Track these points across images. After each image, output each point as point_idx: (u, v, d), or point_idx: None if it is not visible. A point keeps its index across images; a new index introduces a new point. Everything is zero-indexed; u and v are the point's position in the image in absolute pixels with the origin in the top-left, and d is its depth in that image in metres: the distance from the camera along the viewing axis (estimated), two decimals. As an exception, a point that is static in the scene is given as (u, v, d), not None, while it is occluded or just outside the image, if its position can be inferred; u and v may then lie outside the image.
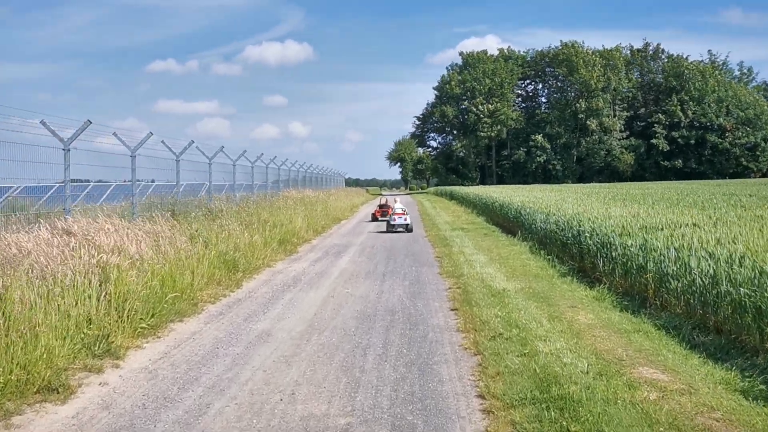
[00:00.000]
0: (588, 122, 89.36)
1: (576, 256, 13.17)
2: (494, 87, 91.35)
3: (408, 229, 22.16)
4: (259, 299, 10.56)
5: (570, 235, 13.78)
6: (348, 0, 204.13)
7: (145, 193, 25.72)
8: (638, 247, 10.00)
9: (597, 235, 12.14)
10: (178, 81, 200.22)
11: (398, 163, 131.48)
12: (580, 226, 13.23)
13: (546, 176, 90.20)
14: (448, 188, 62.84)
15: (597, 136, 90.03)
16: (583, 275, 11.98)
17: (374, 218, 27.81)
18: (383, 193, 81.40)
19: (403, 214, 22.62)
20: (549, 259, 13.88)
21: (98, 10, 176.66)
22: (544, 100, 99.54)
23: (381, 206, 29.06)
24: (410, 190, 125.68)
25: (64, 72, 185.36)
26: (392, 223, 22.59)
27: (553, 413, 5.15)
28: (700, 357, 6.85)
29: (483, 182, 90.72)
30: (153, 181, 27.10)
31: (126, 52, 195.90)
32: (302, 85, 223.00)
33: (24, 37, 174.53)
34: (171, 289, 9.36)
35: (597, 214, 14.62)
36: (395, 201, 25.89)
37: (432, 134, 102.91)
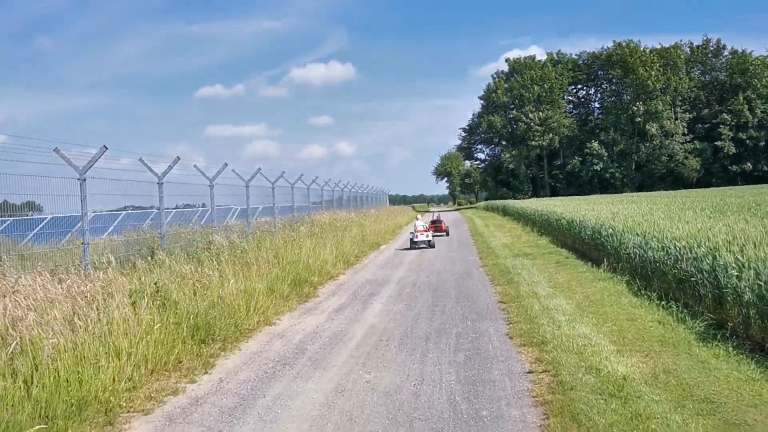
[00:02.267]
0: (647, 126, 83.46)
1: (708, 299, 8.89)
2: (544, 94, 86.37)
3: (430, 245, 22.97)
4: (226, 400, 6.62)
5: (694, 269, 9.47)
6: (389, 18, 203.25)
7: (166, 220, 23.24)
8: None
9: (747, 268, 7.89)
10: (226, 105, 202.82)
11: (445, 178, 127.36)
12: (715, 258, 8.90)
13: (603, 186, 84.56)
14: (500, 202, 58.19)
15: (658, 141, 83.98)
16: (736, 337, 7.67)
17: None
18: (431, 209, 77.20)
19: (425, 231, 23.48)
20: (664, 305, 9.58)
21: (148, 40, 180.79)
22: (597, 105, 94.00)
23: (433, 222, 29.32)
24: (458, 205, 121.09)
25: (119, 101, 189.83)
26: (414, 240, 23.16)
27: None
28: None
29: (535, 194, 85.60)
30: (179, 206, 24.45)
31: (175, 79, 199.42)
32: (347, 105, 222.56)
33: (79, 69, 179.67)
34: (62, 400, 5.54)
35: (716, 234, 10.30)
36: (417, 218, 26.62)
37: (479, 146, 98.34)
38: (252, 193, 18.50)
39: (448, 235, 29.27)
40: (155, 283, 8.75)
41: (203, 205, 25.70)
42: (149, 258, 11.30)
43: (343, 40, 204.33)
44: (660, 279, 10.99)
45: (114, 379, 6.42)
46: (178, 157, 13.03)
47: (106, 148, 9.97)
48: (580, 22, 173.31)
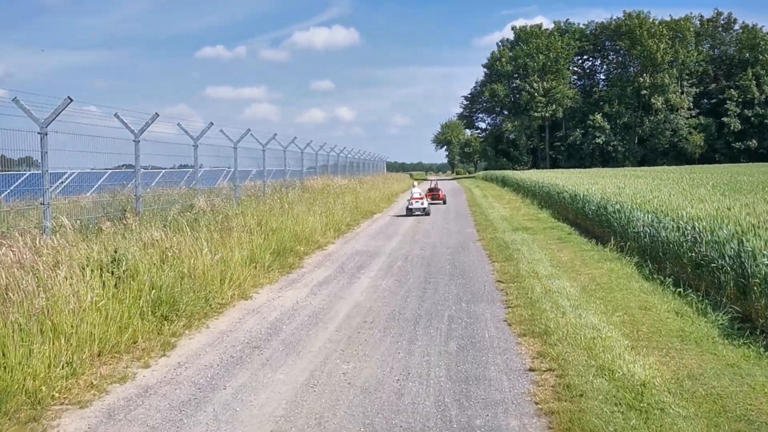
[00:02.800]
0: (652, 100, 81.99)
1: (730, 288, 7.98)
2: (549, 63, 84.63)
3: (426, 212, 23.05)
4: (180, 392, 5.71)
5: (715, 253, 8.54)
6: None
7: (154, 180, 21.98)
8: None
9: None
10: (227, 67, 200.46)
11: (444, 147, 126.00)
12: (741, 243, 7.95)
13: (604, 159, 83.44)
14: (499, 173, 57.12)
15: (662, 115, 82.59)
16: (766, 335, 6.77)
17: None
18: (429, 177, 76.09)
19: (421, 198, 23.47)
20: (680, 292, 8.66)
21: None
22: (602, 77, 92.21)
23: (431, 190, 28.75)
24: (457, 174, 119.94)
25: (118, 59, 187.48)
26: (410, 207, 23.25)
27: None
28: None
29: (535, 165, 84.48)
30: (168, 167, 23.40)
31: (177, 39, 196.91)
32: (349, 70, 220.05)
33: (81, 25, 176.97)
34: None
35: (738, 216, 9.36)
36: (414, 185, 26.01)
37: (481, 115, 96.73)
38: (241, 155, 17.54)
39: (445, 203, 28.87)
40: (115, 251, 7.79)
41: (201, 166, 24.52)
42: (119, 222, 10.36)
43: (347, 5, 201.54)
44: (674, 262, 10.08)
45: (50, 365, 5.51)
46: (156, 113, 12.05)
47: (71, 100, 8.96)
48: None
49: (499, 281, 10.40)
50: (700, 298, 8.10)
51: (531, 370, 6.04)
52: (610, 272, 10.45)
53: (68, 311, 6.04)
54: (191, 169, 26.58)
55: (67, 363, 5.66)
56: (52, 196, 14.71)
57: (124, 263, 7.62)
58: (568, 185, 23.83)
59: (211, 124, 15.24)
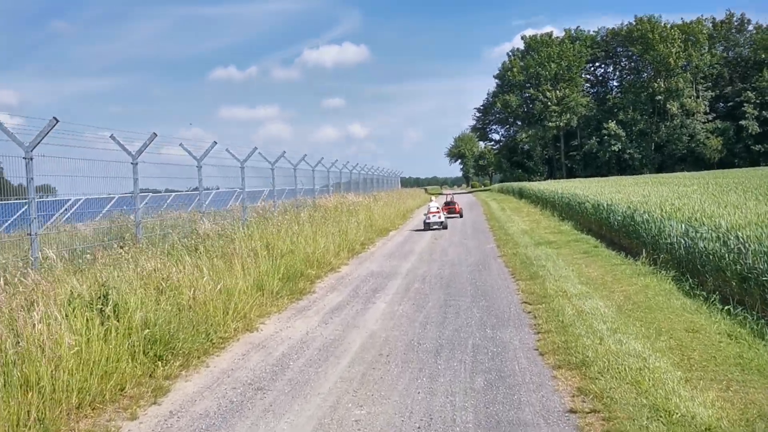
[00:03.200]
0: (668, 105, 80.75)
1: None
2: (561, 72, 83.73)
3: (443, 226, 22.95)
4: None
5: (764, 266, 7.70)
6: (403, 0, 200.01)
7: (164, 204, 21.82)
8: None
9: None
10: (239, 87, 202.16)
11: (458, 160, 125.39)
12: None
13: (621, 167, 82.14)
14: (516, 184, 56.24)
15: (678, 120, 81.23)
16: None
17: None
18: (444, 191, 75.33)
19: (438, 212, 23.52)
20: (729, 310, 7.82)
21: (161, 21, 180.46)
22: (615, 83, 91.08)
23: (447, 204, 28.77)
24: (472, 187, 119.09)
25: (132, 84, 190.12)
26: (427, 221, 23.24)
27: None
28: None
29: (551, 176, 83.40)
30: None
31: (189, 61, 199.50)
32: (361, 86, 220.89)
33: (94, 52, 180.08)
34: None
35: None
36: (431, 200, 26.64)
37: (494, 126, 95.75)
38: (250, 174, 17.08)
39: (461, 216, 28.39)
40: (102, 285, 7.10)
41: (217, 188, 23.82)
42: (119, 250, 9.71)
43: (356, 22, 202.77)
44: (715, 276, 9.23)
45: (17, 424, 4.80)
46: (154, 133, 11.31)
47: (57, 120, 8.25)
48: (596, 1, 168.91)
49: (525, 302, 9.59)
50: (756, 318, 7.26)
51: (572, 411, 5.24)
52: (646, 288, 9.61)
53: (42, 359, 5.34)
54: (211, 191, 26.26)
55: (38, 419, 4.94)
56: (53, 225, 14.10)
57: (111, 299, 6.92)
58: (589, 195, 22.99)
59: (215, 143, 14.59)
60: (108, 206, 20.74)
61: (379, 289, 11.53)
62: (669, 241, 11.45)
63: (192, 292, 8.43)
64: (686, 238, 10.68)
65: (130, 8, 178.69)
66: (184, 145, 13.88)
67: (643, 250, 12.21)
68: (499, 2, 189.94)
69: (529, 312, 8.92)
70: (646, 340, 6.89)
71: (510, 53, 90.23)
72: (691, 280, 9.65)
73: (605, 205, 17.89)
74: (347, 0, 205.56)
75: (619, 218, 15.78)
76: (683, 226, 11.12)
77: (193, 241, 11.05)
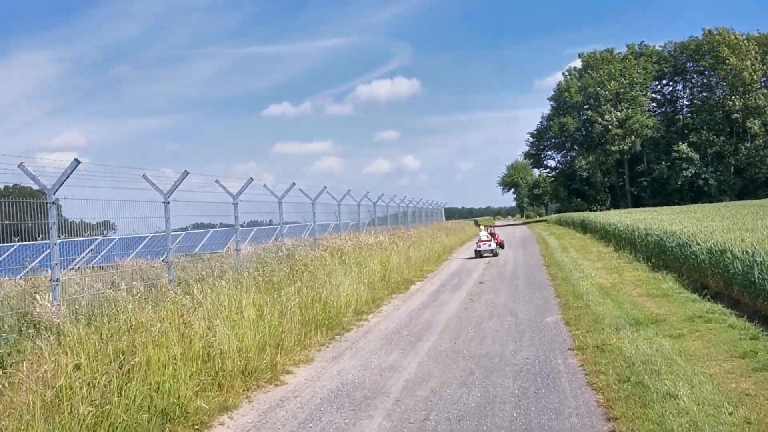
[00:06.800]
0: (747, 124, 72.17)
1: None
2: (622, 90, 76.21)
3: (494, 253, 24.78)
4: None
5: None
6: (453, 33, 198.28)
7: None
8: None
9: None
10: (293, 123, 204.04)
11: (512, 189, 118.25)
12: None
13: (695, 194, 73.57)
14: (576, 215, 48.96)
15: (761, 140, 72.42)
16: None
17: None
18: (496, 223, 68.57)
19: (489, 240, 25.30)
20: None
21: (218, 61, 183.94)
22: (686, 102, 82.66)
23: (492, 234, 27.69)
24: (526, 217, 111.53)
25: (189, 122, 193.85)
26: (478, 249, 25.12)
27: None
28: None
29: (615, 205, 75.44)
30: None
31: (244, 98, 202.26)
32: (413, 119, 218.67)
33: (155, 92, 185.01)
34: None
35: None
36: (481, 230, 27.70)
37: (549, 152, 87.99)
38: (284, 209, 15.26)
39: (502, 248, 27.61)
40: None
41: (270, 222, 22.54)
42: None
43: (407, 56, 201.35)
44: None
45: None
46: (186, 171, 10.15)
47: (78, 162, 7.37)
48: (646, 26, 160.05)
49: None
50: None
51: None
52: None
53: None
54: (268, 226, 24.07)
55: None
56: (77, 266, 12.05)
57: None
58: (685, 232, 16.33)
59: (251, 179, 12.53)
60: (141, 245, 19.73)
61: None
62: None
63: None
64: None
65: (188, 51, 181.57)
66: (221, 181, 11.56)
67: None
68: (550, 31, 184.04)
69: None
70: None
71: (566, 73, 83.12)
72: None
73: (736, 252, 11.27)
74: (398, 35, 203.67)
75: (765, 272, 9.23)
76: None
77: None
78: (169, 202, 10.04)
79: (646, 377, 6.68)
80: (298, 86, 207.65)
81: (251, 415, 6.67)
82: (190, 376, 6.65)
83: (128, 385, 5.79)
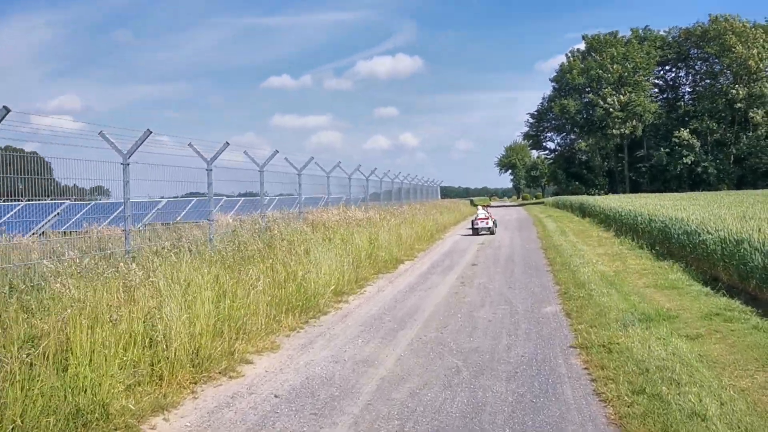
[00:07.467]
0: (750, 113, 70.94)
1: None
2: (626, 74, 74.75)
3: (491, 231, 25.18)
4: None
5: None
6: (457, 12, 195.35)
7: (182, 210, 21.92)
8: None
9: None
10: (293, 96, 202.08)
11: (509, 170, 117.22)
12: None
13: (694, 182, 72.60)
14: (575, 199, 47.85)
15: (763, 130, 71.29)
16: None
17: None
18: (492, 204, 67.47)
19: (486, 218, 25.64)
20: None
21: (221, 32, 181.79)
22: (688, 89, 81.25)
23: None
24: (523, 199, 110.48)
25: (190, 91, 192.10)
26: (475, 227, 25.50)
27: None
28: None
29: (613, 190, 74.38)
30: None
31: (245, 70, 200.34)
32: (413, 97, 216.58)
33: (157, 59, 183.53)
34: None
35: None
36: (479, 209, 28.38)
37: (549, 134, 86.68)
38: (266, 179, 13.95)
39: (496, 226, 26.41)
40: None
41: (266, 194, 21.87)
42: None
43: (410, 33, 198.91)
44: None
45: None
46: (149, 130, 9.06)
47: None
48: (650, 12, 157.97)
49: None
50: None
51: None
52: None
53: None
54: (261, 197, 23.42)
55: None
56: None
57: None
58: (693, 219, 15.32)
59: (227, 143, 11.04)
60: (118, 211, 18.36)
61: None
62: None
63: None
64: None
65: (193, 19, 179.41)
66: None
67: None
68: (554, 14, 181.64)
69: None
70: None
71: (569, 54, 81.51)
72: None
73: (758, 245, 10.20)
74: (403, 12, 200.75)
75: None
76: None
77: None
78: (129, 164, 9.11)
79: (664, 388, 5.61)
80: (299, 59, 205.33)
81: (192, 416, 5.59)
82: (120, 367, 5.54)
83: (34, 380, 4.69)
